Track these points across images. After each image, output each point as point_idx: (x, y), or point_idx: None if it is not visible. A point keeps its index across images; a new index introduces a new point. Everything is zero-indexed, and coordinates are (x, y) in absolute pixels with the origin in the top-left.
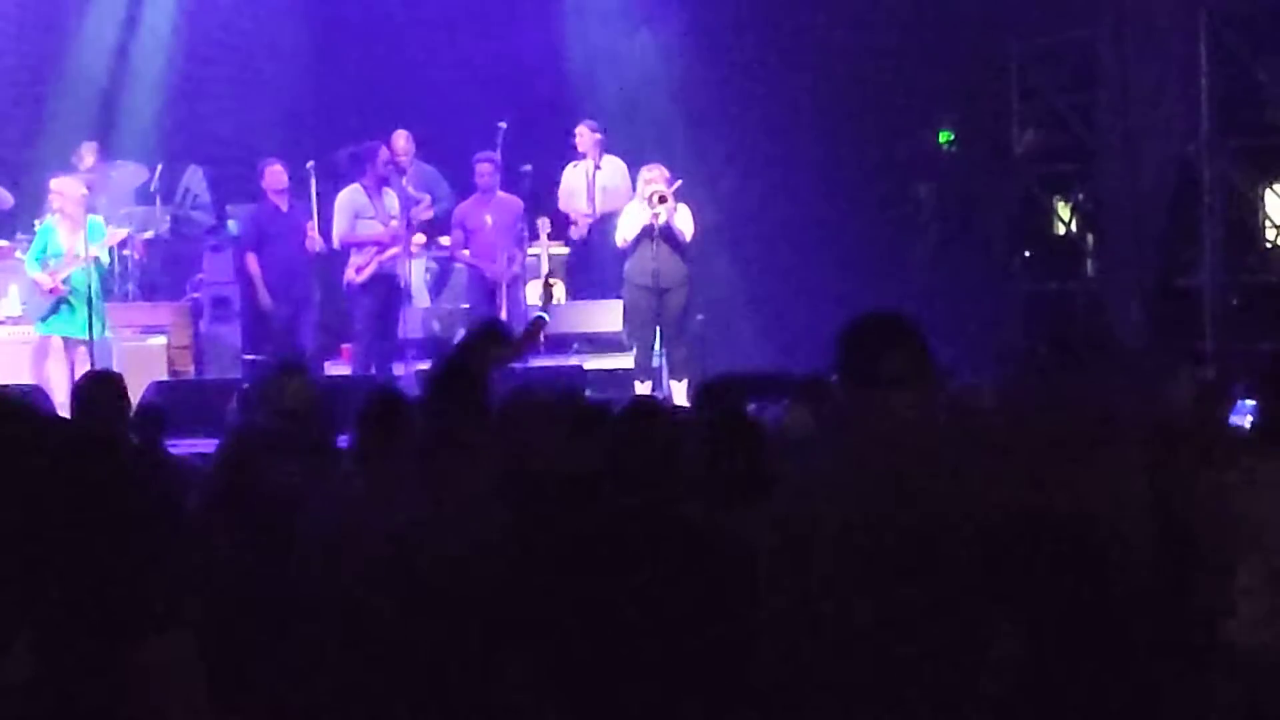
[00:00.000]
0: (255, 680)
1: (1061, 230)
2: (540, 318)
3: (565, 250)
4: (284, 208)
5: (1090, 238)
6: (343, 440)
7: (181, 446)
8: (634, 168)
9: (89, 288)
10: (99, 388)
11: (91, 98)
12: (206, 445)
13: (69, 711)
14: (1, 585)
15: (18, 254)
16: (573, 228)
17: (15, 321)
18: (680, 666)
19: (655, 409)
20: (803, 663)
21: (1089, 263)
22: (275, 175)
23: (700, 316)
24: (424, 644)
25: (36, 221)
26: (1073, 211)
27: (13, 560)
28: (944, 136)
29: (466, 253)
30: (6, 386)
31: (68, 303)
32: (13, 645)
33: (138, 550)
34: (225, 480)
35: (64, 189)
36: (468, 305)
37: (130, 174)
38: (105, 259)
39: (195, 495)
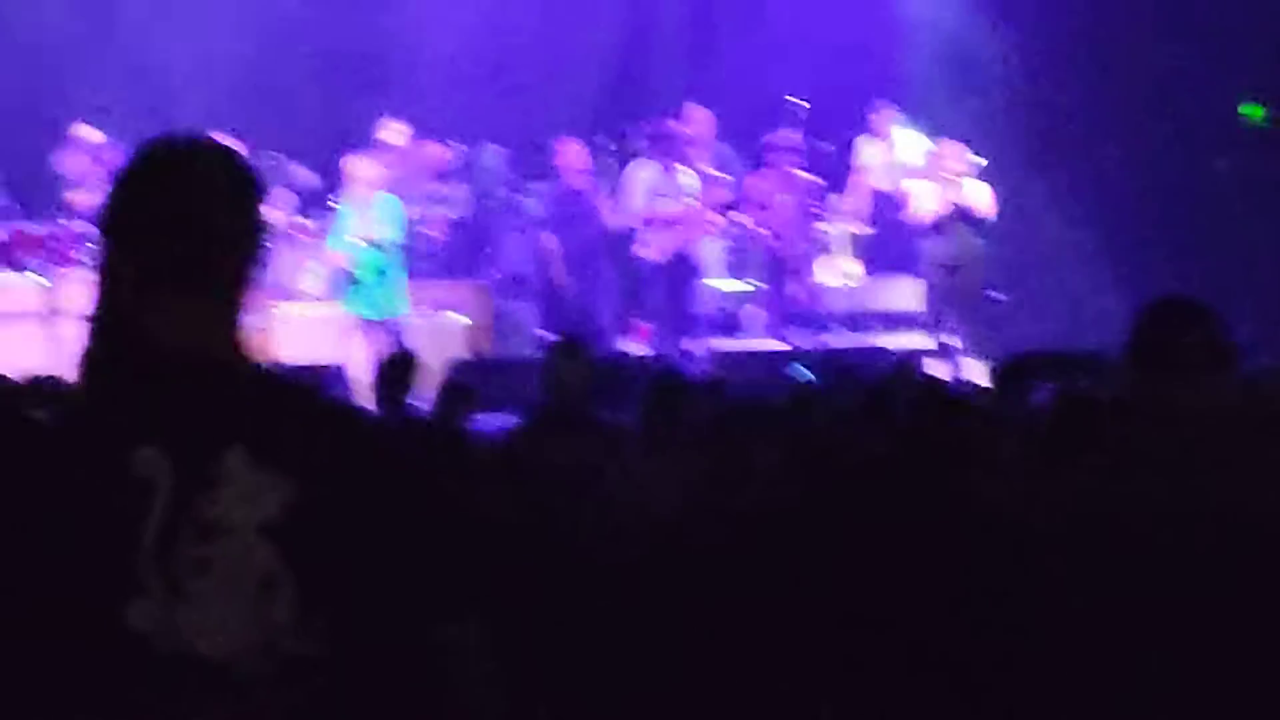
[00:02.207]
0: (543, 661)
1: None
2: None
3: (863, 228)
4: (581, 186)
5: None
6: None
7: (481, 422)
8: (934, 144)
9: (386, 267)
10: (398, 367)
11: (389, 76)
12: (504, 422)
13: (364, 693)
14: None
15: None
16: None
17: (317, 299)
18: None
19: (950, 391)
20: (1093, 655)
21: None
22: (573, 154)
23: (999, 295)
24: (708, 626)
25: (332, 200)
26: None
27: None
28: (1252, 111)
29: (761, 231)
30: (306, 367)
31: (365, 282)
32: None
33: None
34: (512, 459)
35: (358, 169)
36: (762, 283)
37: (431, 153)
38: (400, 237)
39: (485, 474)
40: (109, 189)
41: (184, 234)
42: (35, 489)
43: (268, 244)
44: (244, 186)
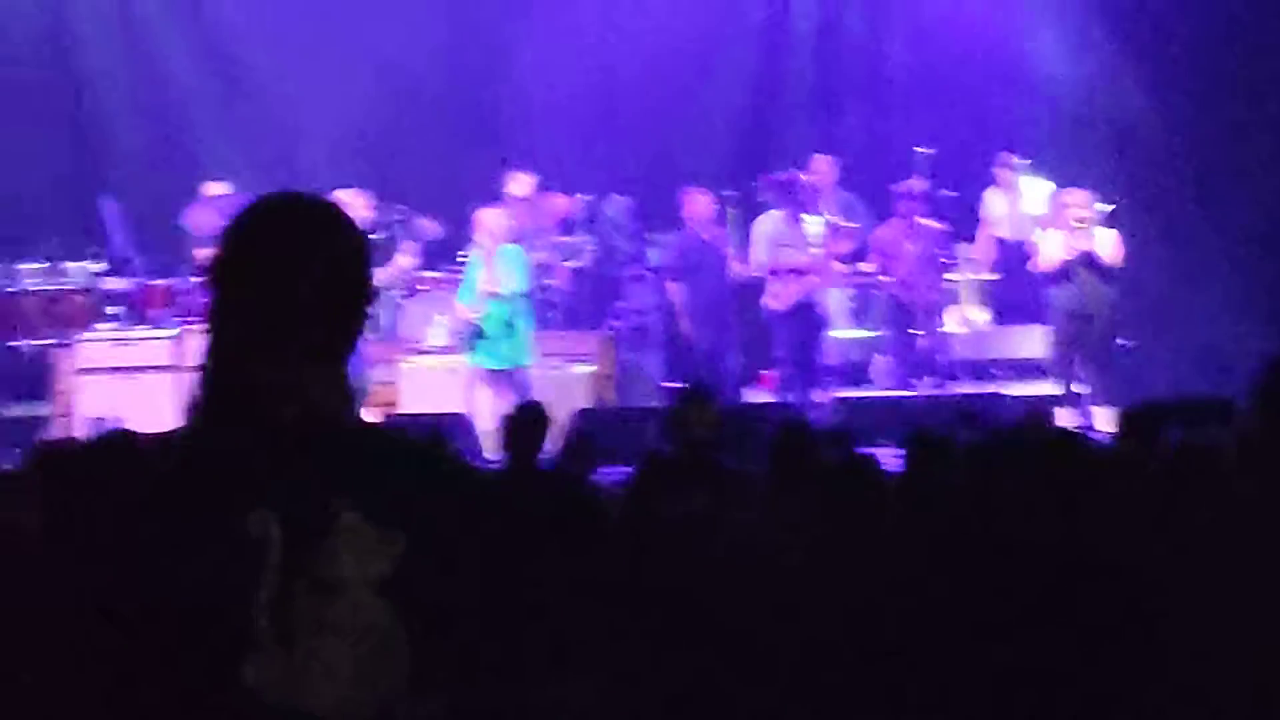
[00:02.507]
0: (654, 707)
1: None
2: None
3: (990, 276)
4: (707, 236)
5: None
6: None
7: (604, 474)
8: (1060, 192)
9: (511, 317)
10: (528, 420)
11: (514, 128)
12: (629, 473)
13: None
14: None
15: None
16: (992, 253)
17: (444, 351)
18: (1098, 700)
19: (1075, 441)
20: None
21: None
22: (698, 203)
23: (1127, 342)
24: (836, 680)
25: (461, 254)
26: None
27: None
28: None
29: (886, 279)
30: (429, 416)
31: (491, 334)
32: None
33: (548, 589)
34: (639, 509)
35: (487, 221)
36: (888, 332)
37: (555, 204)
38: (526, 288)
39: (610, 525)
40: (217, 242)
41: (285, 289)
42: (155, 541)
43: (375, 301)
44: (351, 243)
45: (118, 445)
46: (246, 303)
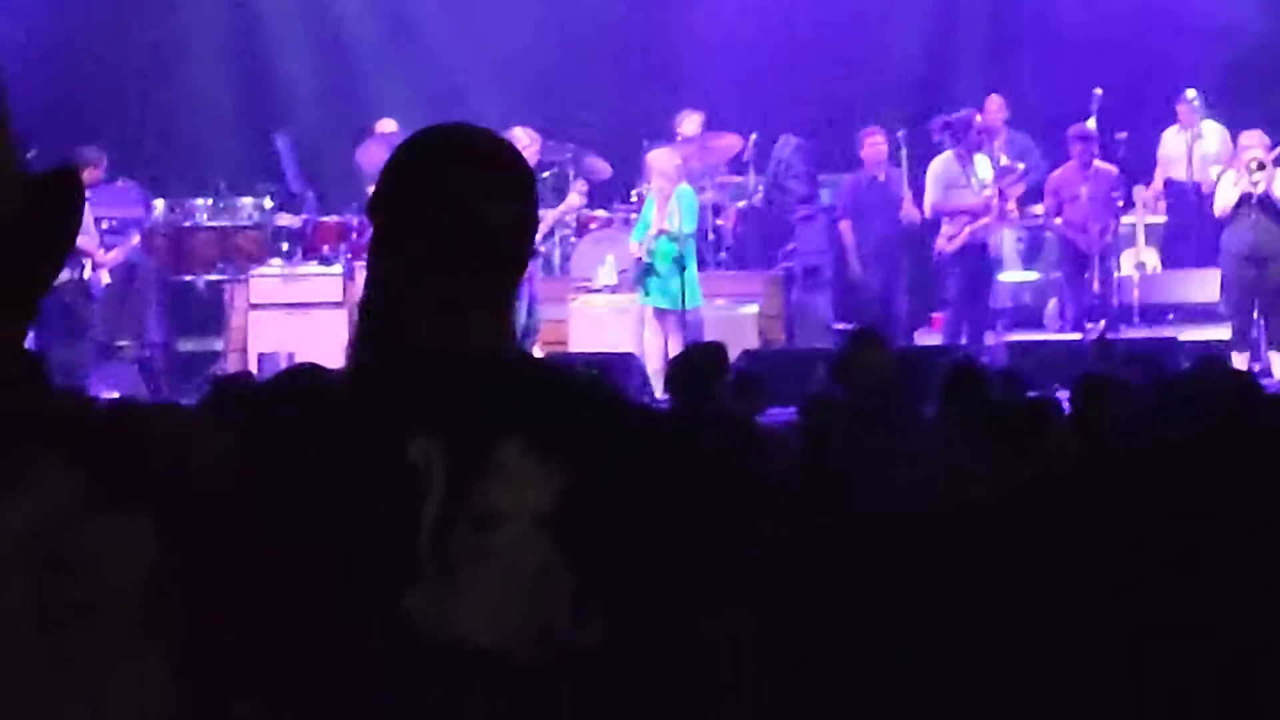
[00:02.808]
0: (818, 654)
1: None
2: None
3: (1163, 219)
4: (881, 177)
5: None
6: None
7: (772, 415)
8: (1237, 134)
9: (680, 257)
10: (706, 359)
11: (685, 68)
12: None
13: (637, 685)
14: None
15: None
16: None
17: (614, 290)
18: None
19: (1249, 387)
20: None
21: None
22: (875, 145)
23: None
24: (1000, 622)
25: (632, 193)
26: None
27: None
28: None
29: (1059, 221)
30: (598, 355)
31: (658, 273)
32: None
33: (720, 524)
34: (805, 452)
35: (657, 162)
36: (1060, 275)
37: (725, 143)
38: (693, 228)
39: (777, 467)
40: (381, 175)
41: (451, 221)
42: (322, 473)
43: (538, 236)
44: (516, 177)
45: (303, 381)
46: (409, 234)
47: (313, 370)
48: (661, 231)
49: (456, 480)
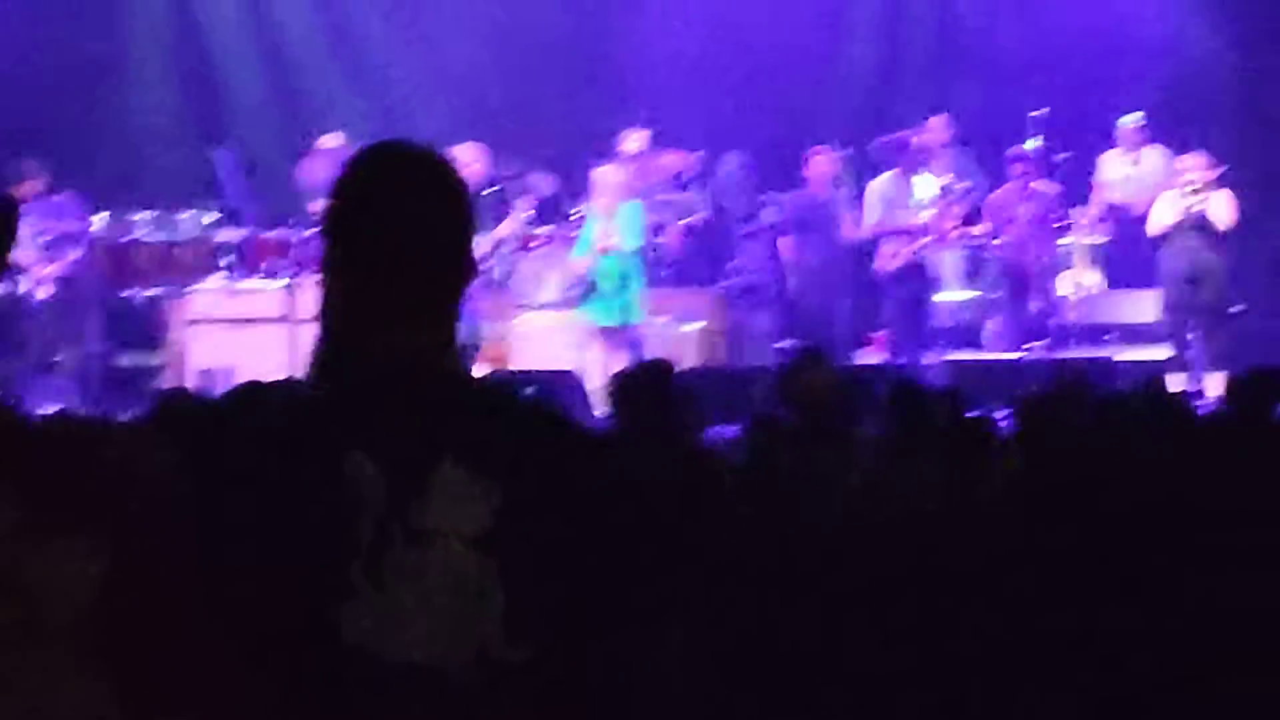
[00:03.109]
0: (767, 669)
1: None
2: None
3: (1104, 239)
4: (823, 196)
5: None
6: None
7: (715, 433)
8: (1176, 156)
9: (623, 274)
10: (644, 375)
11: (630, 83)
12: (738, 433)
13: (566, 698)
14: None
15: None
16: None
17: (556, 308)
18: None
19: (1183, 409)
20: None
21: None
22: (822, 163)
23: (1239, 308)
24: (947, 639)
25: (574, 210)
26: None
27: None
28: None
29: (998, 242)
30: (540, 373)
31: (602, 290)
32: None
33: (661, 543)
34: (749, 470)
35: (605, 178)
36: (1000, 295)
37: (669, 161)
38: (638, 244)
39: (719, 485)
40: (330, 192)
41: (392, 238)
42: (260, 481)
43: (481, 254)
44: (456, 194)
45: (246, 396)
46: (356, 250)
47: (256, 386)
48: (605, 249)
49: (394, 497)
